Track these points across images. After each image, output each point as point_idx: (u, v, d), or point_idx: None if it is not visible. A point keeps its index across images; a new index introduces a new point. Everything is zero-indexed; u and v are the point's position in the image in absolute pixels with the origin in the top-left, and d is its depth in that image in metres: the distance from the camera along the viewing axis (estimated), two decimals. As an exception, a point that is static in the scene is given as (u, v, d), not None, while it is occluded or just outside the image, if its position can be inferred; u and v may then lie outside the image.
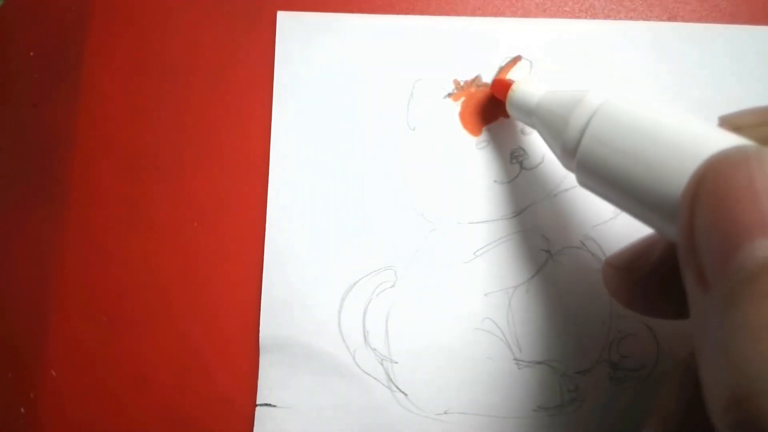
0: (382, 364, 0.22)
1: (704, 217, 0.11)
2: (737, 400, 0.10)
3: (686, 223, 0.12)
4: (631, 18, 0.24)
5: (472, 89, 0.23)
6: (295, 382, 0.22)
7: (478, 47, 0.24)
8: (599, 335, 0.22)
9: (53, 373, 0.23)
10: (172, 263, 0.23)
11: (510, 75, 0.23)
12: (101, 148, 0.24)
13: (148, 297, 0.23)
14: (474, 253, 0.22)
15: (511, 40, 0.24)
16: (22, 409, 0.22)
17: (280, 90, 0.24)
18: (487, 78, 0.23)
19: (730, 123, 0.14)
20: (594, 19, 0.24)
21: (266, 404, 0.22)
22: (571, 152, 0.16)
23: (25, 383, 0.23)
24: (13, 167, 0.24)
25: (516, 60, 0.23)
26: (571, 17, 0.24)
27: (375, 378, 0.22)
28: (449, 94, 0.23)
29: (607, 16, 0.24)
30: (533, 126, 0.20)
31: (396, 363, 0.22)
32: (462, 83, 0.23)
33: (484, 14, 0.24)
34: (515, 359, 0.22)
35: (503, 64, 0.23)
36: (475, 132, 0.23)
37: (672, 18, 0.24)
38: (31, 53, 0.25)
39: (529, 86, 0.20)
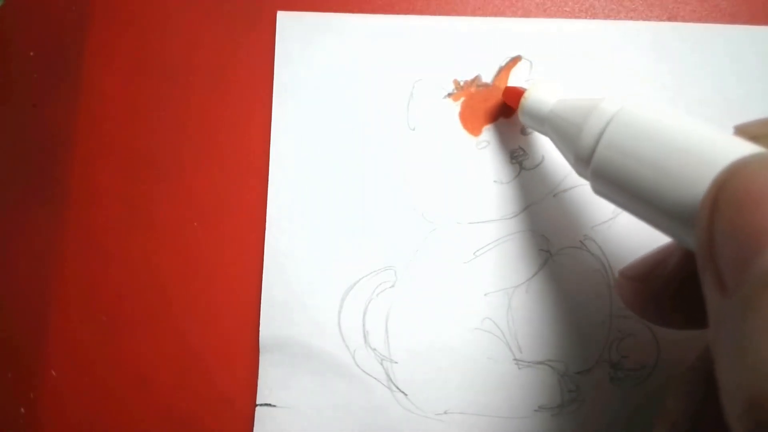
0: (382, 364, 0.22)
1: (724, 222, 0.11)
2: (757, 403, 0.10)
3: (705, 229, 0.12)
4: (631, 18, 0.24)
5: (472, 89, 0.23)
6: (295, 382, 0.22)
7: (478, 47, 0.24)
8: (599, 335, 0.22)
9: (53, 373, 0.23)
10: (172, 263, 0.23)
11: (510, 75, 0.23)
12: (101, 148, 0.24)
13: (148, 297, 0.23)
14: (474, 253, 0.22)
15: (511, 40, 0.24)
16: (22, 409, 0.22)
17: (280, 90, 0.24)
18: (487, 78, 0.23)
19: (746, 132, 0.14)
20: (594, 19, 0.24)
21: (266, 404, 0.22)
22: (585, 160, 0.16)
23: (25, 383, 0.23)
24: (13, 167, 0.24)
25: (516, 60, 0.23)
26: (571, 17, 0.24)
27: (375, 378, 0.22)
28: (449, 94, 0.23)
29: (607, 16, 0.24)
30: (546, 134, 0.20)
31: (396, 363, 0.22)
32: (462, 83, 0.23)
33: (484, 14, 0.24)
34: (515, 359, 0.22)
35: (503, 64, 0.23)
36: (475, 132, 0.23)
37: (672, 18, 0.24)
38: (31, 53, 0.25)
39: (541, 94, 0.20)
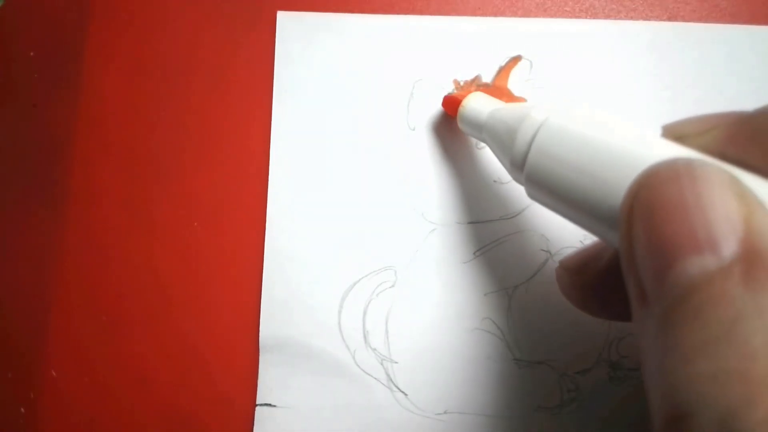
0: (382, 364, 0.22)
1: (640, 233, 0.11)
2: (674, 419, 0.10)
3: (625, 237, 0.12)
4: (631, 18, 0.24)
5: (472, 89, 0.23)
6: (295, 382, 0.22)
7: (478, 47, 0.24)
8: (599, 335, 0.22)
9: (53, 373, 0.23)
10: (172, 263, 0.23)
11: (510, 75, 0.23)
12: (101, 148, 0.24)
13: (148, 297, 0.23)
14: (474, 253, 0.22)
15: (511, 40, 0.24)
16: (22, 409, 0.22)
17: (280, 90, 0.24)
18: (487, 78, 0.23)
19: (672, 132, 0.14)
20: (594, 19, 0.24)
21: (266, 404, 0.22)
22: (519, 166, 0.16)
23: (25, 383, 0.23)
24: (13, 167, 0.24)
25: (516, 60, 0.23)
26: (571, 17, 0.24)
27: (375, 378, 0.22)
28: (449, 94, 0.23)
29: (607, 16, 0.24)
30: (484, 141, 0.20)
31: (396, 363, 0.22)
32: (462, 83, 0.23)
33: (484, 14, 0.24)
34: (515, 359, 0.22)
35: (503, 64, 0.23)
36: (475, 132, 0.23)
37: (672, 18, 0.24)
38: (31, 53, 0.25)
39: (478, 102, 0.20)
